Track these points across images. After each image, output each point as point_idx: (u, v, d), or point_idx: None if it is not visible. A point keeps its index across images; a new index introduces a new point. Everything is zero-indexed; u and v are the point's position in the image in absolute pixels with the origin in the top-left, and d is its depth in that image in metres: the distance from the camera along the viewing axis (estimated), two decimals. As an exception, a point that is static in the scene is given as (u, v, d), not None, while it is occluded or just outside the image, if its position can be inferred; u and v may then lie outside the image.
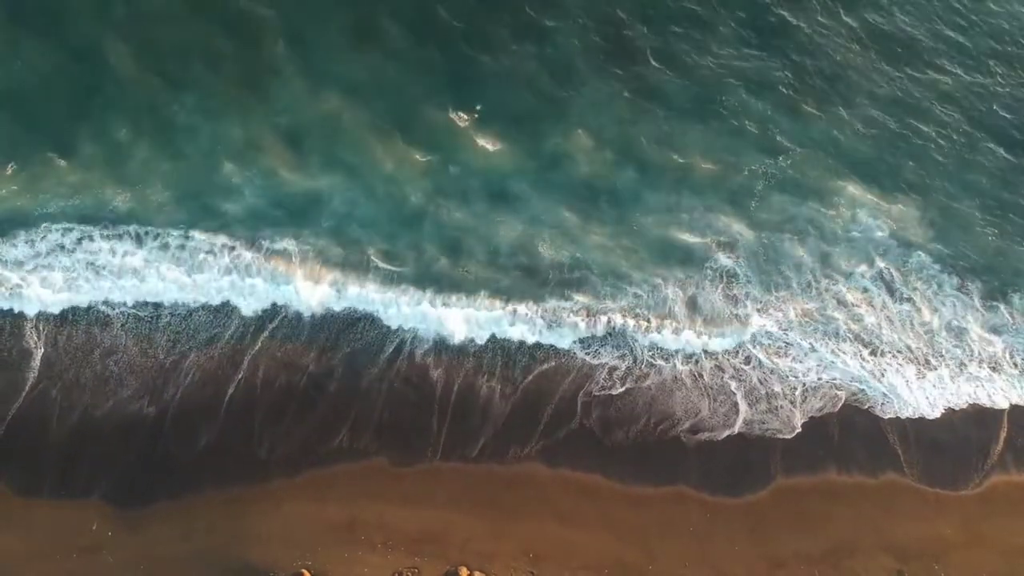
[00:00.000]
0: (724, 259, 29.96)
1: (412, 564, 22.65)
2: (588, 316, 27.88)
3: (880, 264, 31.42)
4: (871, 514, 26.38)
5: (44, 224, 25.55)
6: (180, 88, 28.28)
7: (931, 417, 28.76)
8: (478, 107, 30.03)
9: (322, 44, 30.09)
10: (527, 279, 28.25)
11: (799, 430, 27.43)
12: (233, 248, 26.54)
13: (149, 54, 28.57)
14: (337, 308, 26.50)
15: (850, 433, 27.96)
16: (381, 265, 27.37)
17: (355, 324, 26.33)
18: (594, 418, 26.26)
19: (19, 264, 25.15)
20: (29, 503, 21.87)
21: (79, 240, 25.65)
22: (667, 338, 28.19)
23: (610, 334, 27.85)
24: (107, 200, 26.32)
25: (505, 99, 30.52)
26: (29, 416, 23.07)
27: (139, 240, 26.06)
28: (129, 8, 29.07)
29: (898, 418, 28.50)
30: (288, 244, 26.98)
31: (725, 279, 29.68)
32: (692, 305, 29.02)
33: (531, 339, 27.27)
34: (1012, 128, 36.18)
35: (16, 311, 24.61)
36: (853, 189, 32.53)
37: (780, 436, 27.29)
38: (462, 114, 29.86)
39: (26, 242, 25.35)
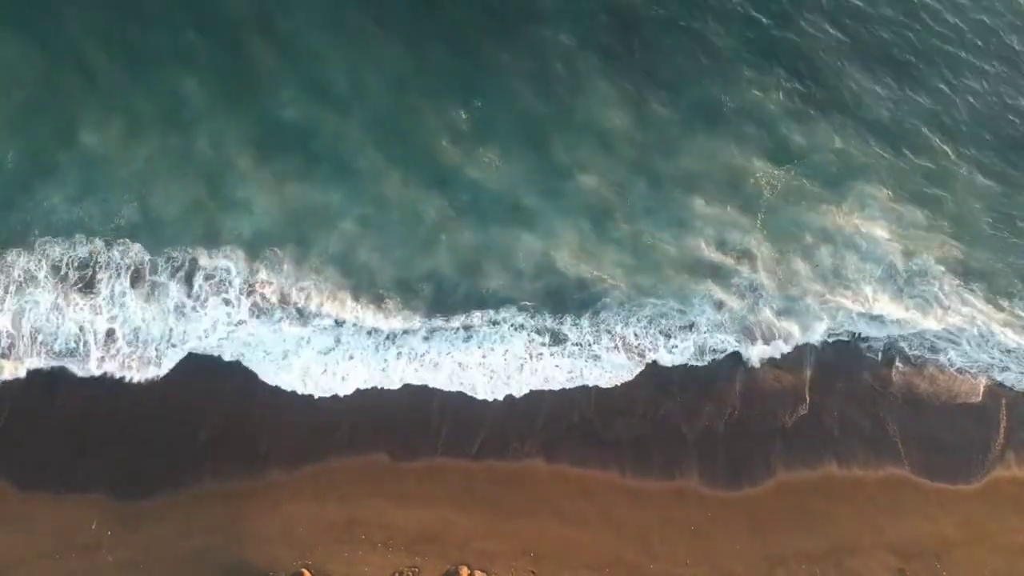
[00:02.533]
0: (743, 270, 29.68)
1: (412, 563, 22.61)
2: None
3: (887, 267, 31.32)
4: (872, 511, 26.37)
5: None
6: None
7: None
8: (479, 103, 29.75)
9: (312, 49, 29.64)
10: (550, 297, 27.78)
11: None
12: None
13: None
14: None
15: (850, 428, 27.95)
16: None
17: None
18: (594, 411, 26.26)
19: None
20: (29, 503, 21.73)
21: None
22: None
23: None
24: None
25: (505, 105, 30.19)
26: (30, 414, 22.91)
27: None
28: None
29: (899, 413, 28.53)
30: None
31: (746, 290, 29.43)
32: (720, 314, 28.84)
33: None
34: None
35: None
36: (863, 189, 32.35)
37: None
38: (462, 113, 29.59)
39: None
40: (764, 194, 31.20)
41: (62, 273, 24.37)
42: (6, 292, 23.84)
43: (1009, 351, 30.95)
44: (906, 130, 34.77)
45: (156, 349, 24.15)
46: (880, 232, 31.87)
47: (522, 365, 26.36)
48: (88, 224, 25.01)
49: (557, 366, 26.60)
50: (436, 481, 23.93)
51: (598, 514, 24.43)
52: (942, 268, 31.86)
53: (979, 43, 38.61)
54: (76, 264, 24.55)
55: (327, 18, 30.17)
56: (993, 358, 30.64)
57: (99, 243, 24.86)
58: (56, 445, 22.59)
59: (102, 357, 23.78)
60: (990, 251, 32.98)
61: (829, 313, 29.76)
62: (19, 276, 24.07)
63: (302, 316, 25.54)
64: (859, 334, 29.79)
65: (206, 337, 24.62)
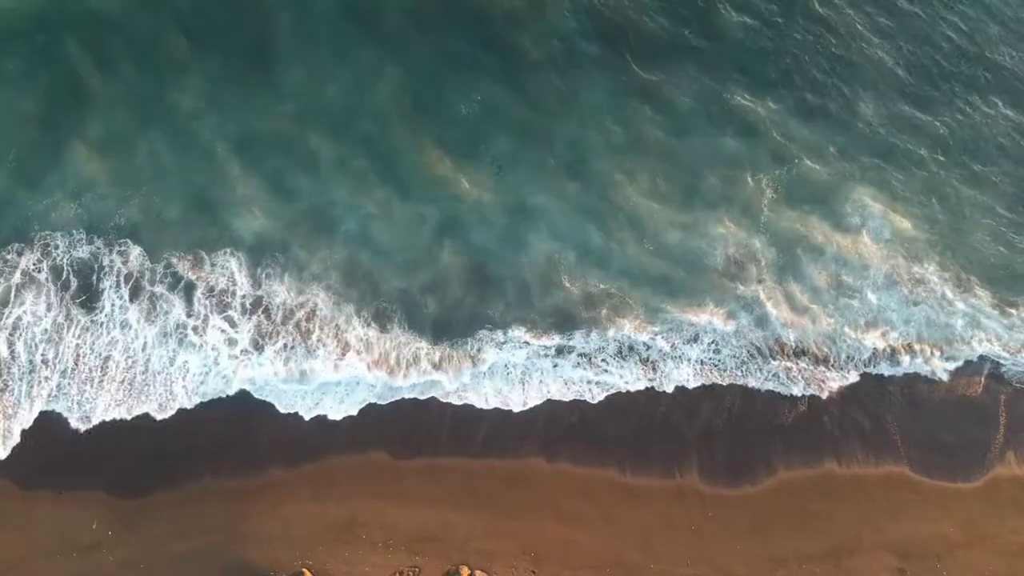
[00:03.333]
0: (748, 283, 29.28)
1: (413, 563, 22.60)
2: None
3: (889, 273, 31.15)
4: (872, 512, 26.37)
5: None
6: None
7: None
8: (479, 97, 29.63)
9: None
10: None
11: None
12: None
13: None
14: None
15: (850, 427, 27.93)
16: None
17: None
18: (594, 410, 26.23)
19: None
20: (29, 502, 21.71)
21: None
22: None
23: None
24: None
25: (505, 109, 30.02)
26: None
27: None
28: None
29: (899, 413, 28.51)
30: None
31: (753, 304, 29.01)
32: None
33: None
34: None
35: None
36: (860, 197, 32.27)
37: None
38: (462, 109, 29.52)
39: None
40: (765, 199, 31.02)
41: (63, 279, 24.08)
42: (4, 304, 23.35)
43: (1013, 353, 30.83)
44: (906, 136, 34.76)
45: (157, 397, 23.37)
46: (882, 238, 31.74)
47: (526, 383, 26.04)
48: (88, 222, 24.96)
49: (565, 383, 26.27)
50: (436, 481, 23.93)
51: (598, 514, 24.43)
52: (945, 275, 31.69)
53: (974, 50, 38.62)
54: (77, 267, 24.22)
55: (327, 17, 30.21)
56: (998, 359, 30.57)
57: (100, 244, 24.74)
58: (57, 445, 22.65)
59: (98, 397, 23.04)
60: (993, 254, 32.92)
61: (836, 324, 29.55)
62: (20, 279, 23.82)
63: (305, 340, 24.81)
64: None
65: (207, 373, 23.85)
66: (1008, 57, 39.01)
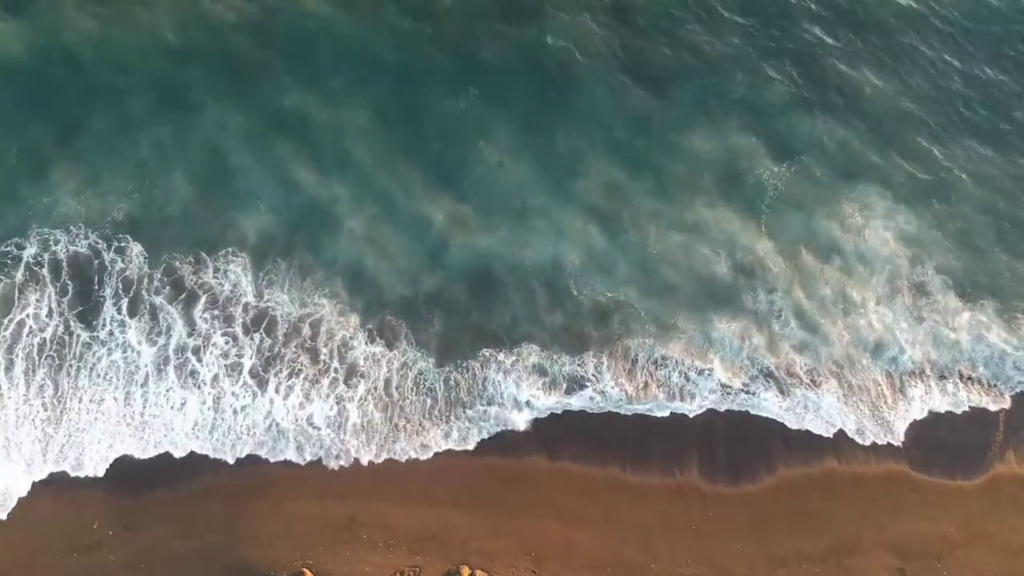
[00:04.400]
0: (756, 293, 28.98)
1: (413, 563, 22.62)
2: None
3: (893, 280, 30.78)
4: (872, 510, 26.32)
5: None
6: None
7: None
8: (476, 92, 29.53)
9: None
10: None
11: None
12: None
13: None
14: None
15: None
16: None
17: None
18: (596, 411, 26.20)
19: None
20: (30, 503, 21.78)
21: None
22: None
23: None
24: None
25: (505, 104, 30.10)
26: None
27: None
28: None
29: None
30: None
31: (762, 319, 28.65)
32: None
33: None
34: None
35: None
36: (862, 198, 32.12)
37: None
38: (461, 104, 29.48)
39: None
40: (767, 199, 30.84)
41: (62, 282, 24.02)
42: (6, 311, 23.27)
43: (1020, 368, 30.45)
44: (909, 133, 34.60)
45: (155, 442, 23.06)
46: (885, 244, 31.39)
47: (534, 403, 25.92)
48: (88, 218, 24.96)
49: (573, 406, 26.06)
50: (436, 481, 23.93)
51: (599, 513, 24.40)
52: (948, 280, 31.39)
53: (971, 49, 38.49)
54: (76, 270, 24.20)
55: (328, 19, 30.29)
56: (1007, 375, 30.17)
57: (98, 239, 24.70)
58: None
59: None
60: (996, 261, 32.63)
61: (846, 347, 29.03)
62: (21, 279, 23.80)
63: (312, 356, 24.75)
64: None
65: (204, 426, 23.48)
66: (1008, 61, 38.89)
